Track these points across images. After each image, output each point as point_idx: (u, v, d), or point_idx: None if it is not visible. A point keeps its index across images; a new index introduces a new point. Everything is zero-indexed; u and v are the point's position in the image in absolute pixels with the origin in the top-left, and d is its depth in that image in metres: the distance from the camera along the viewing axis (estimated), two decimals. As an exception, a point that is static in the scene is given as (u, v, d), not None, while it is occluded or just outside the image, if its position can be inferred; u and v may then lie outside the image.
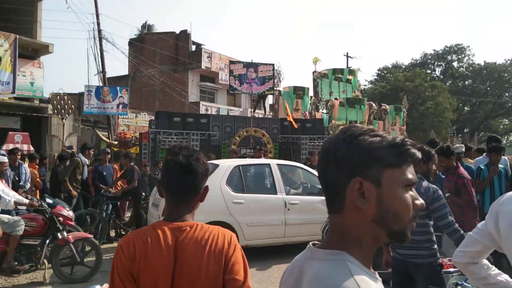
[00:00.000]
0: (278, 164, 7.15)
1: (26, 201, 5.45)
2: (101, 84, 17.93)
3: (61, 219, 5.52)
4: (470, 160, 6.85)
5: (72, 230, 5.96)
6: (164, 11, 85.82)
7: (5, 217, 5.21)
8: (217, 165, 6.77)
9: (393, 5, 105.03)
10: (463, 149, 6.08)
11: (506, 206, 1.58)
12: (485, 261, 1.77)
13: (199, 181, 1.53)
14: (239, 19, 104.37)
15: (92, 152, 8.98)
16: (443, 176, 5.14)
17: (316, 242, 0.95)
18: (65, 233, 5.47)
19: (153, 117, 15.75)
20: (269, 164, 7.12)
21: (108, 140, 16.34)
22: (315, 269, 0.86)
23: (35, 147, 13.51)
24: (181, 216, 1.52)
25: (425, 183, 3.25)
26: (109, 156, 8.87)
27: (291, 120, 14.95)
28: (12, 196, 5.32)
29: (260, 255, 6.76)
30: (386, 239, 0.88)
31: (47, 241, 5.50)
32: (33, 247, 5.44)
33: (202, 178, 1.54)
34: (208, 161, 6.37)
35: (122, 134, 16.52)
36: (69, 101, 14.84)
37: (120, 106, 17.19)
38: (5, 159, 5.80)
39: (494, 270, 1.74)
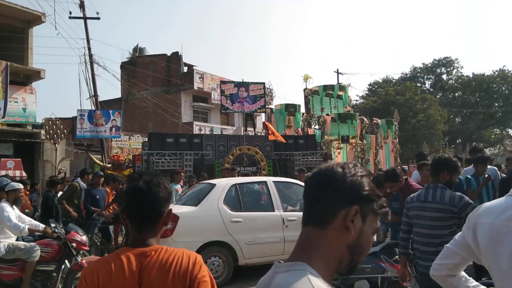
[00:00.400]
0: (274, 181, 7.16)
1: (42, 227, 5.54)
2: (93, 108, 17.97)
3: (74, 244, 5.56)
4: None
5: (87, 254, 6.02)
6: (155, 34, 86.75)
7: (21, 243, 5.29)
8: (214, 185, 6.75)
9: (381, 21, 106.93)
10: None
11: (484, 218, 1.55)
12: (463, 273, 1.76)
13: (161, 206, 1.52)
14: (230, 39, 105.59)
15: (91, 177, 8.98)
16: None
17: (282, 260, 1.03)
18: (79, 258, 5.50)
19: (146, 139, 15.74)
20: (265, 182, 7.12)
21: (101, 163, 16.27)
22: (277, 280, 0.95)
23: (28, 173, 13.45)
24: (145, 241, 1.51)
25: (448, 192, 3.22)
26: (102, 179, 8.84)
27: (278, 137, 14.89)
28: (28, 222, 5.43)
29: (258, 273, 6.67)
30: (345, 265, 1.01)
31: (62, 266, 5.55)
32: (48, 273, 5.46)
33: (164, 203, 1.53)
34: (205, 181, 6.31)
35: (116, 156, 16.45)
36: (62, 126, 14.83)
37: (113, 129, 17.21)
38: (21, 186, 5.85)
39: (472, 282, 1.73)
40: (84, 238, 5.79)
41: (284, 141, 15.20)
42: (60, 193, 9.03)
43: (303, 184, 7.71)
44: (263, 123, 23.75)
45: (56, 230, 5.57)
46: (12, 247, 5.15)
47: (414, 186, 4.33)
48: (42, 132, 16.00)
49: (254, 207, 6.99)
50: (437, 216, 3.18)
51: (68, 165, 16.54)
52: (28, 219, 5.60)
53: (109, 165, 15.71)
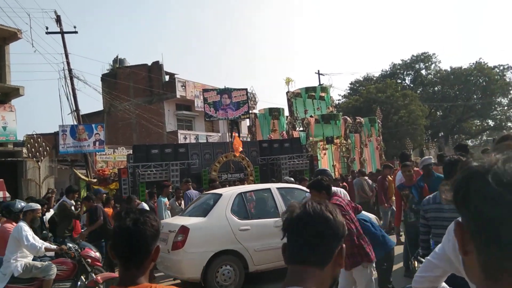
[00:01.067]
0: (278, 188, 7.34)
1: (55, 246, 5.72)
2: (75, 123, 17.77)
3: (89, 260, 5.72)
4: None
5: (101, 270, 6.13)
6: (135, 44, 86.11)
7: (38, 263, 5.44)
8: (220, 195, 6.89)
9: (358, 20, 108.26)
10: (431, 161, 6.12)
11: None
12: (444, 284, 1.82)
13: (149, 244, 1.54)
14: (210, 45, 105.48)
15: (76, 195, 8.90)
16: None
17: None
18: (93, 275, 5.61)
19: (130, 151, 15.62)
20: (269, 189, 7.29)
21: (87, 179, 16.10)
22: None
23: (12, 193, 13.20)
24: (134, 280, 1.52)
25: None
26: (104, 195, 8.86)
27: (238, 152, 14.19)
28: (41, 243, 5.54)
29: (269, 279, 6.78)
30: None
31: (79, 283, 5.66)
32: None
33: (151, 241, 1.55)
34: (209, 191, 6.26)
35: (101, 171, 16.31)
36: (44, 143, 14.62)
37: (97, 143, 17.06)
38: (38, 206, 6.04)
39: None
40: (98, 254, 5.97)
41: (239, 151, 14.64)
42: (47, 214, 8.90)
43: (304, 188, 7.87)
44: (248, 126, 23.83)
45: (71, 247, 5.72)
46: (29, 266, 5.28)
47: (334, 200, 3.98)
48: (24, 150, 15.74)
49: (260, 215, 7.13)
50: (455, 217, 3.21)
51: (53, 182, 16.28)
52: (40, 241, 5.70)
53: (95, 180, 15.55)
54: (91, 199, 8.18)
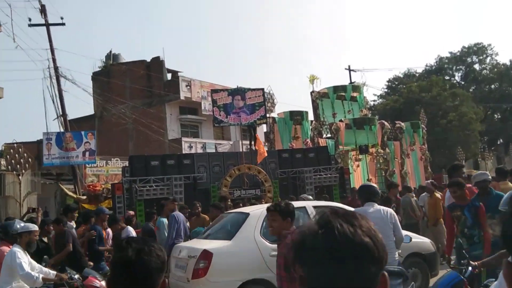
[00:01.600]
0: (314, 206, 7.33)
1: (54, 274, 5.74)
2: (62, 130, 18.06)
3: None
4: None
5: None
6: (131, 37, 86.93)
7: None
8: (247, 214, 6.92)
9: (397, 5, 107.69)
10: (487, 177, 5.92)
11: None
12: None
13: (154, 278, 1.55)
14: (221, 38, 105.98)
15: (76, 215, 8.99)
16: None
17: None
18: None
19: (126, 163, 15.77)
20: (304, 207, 7.23)
21: (75, 195, 16.31)
22: None
23: (-13, 212, 13.44)
24: None
25: None
26: (107, 216, 8.99)
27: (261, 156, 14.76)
28: (39, 269, 5.60)
29: None
30: None
31: None
32: None
33: (157, 274, 1.56)
34: (233, 210, 6.29)
35: (91, 186, 16.51)
36: (25, 154, 14.89)
37: (87, 153, 17.30)
38: (36, 227, 6.12)
39: None
40: (103, 283, 5.96)
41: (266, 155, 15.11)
42: None
43: (345, 207, 7.83)
44: (265, 133, 23.83)
45: (72, 276, 5.78)
46: None
47: (288, 240, 3.97)
48: (2, 162, 16.04)
49: None
50: None
51: (35, 199, 16.50)
52: (38, 266, 5.73)
53: (84, 197, 15.74)
54: (61, 222, 8.20)
